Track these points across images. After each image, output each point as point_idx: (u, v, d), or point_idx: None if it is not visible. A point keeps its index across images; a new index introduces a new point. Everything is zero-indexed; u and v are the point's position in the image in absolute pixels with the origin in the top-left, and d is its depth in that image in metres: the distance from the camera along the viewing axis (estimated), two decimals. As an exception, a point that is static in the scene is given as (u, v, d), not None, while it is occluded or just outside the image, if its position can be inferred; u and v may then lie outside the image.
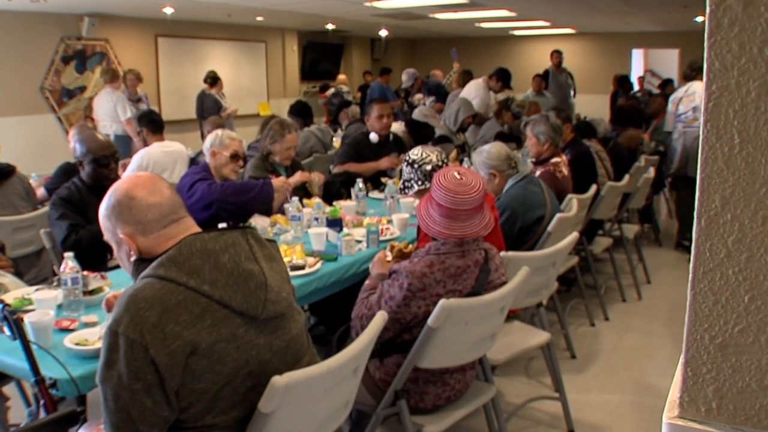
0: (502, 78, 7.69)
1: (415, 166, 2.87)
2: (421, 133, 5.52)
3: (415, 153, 2.92)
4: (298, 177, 3.87)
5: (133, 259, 1.55)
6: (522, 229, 3.29)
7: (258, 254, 1.54)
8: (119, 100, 7.41)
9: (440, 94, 8.41)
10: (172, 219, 1.57)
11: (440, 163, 2.86)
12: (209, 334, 1.40)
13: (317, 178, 4.01)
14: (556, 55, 9.98)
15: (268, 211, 3.60)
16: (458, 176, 2.20)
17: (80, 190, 3.12)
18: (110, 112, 7.41)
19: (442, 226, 2.18)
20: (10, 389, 2.67)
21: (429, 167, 2.84)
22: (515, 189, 3.36)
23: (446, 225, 2.18)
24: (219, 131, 3.67)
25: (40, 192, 4.27)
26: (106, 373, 1.38)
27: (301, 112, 6.22)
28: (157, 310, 1.37)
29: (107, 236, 1.61)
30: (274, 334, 1.53)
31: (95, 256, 2.78)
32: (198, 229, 1.58)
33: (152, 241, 1.54)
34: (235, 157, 3.58)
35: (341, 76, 11.75)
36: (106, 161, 3.08)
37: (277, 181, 3.63)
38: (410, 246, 2.48)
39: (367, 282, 2.41)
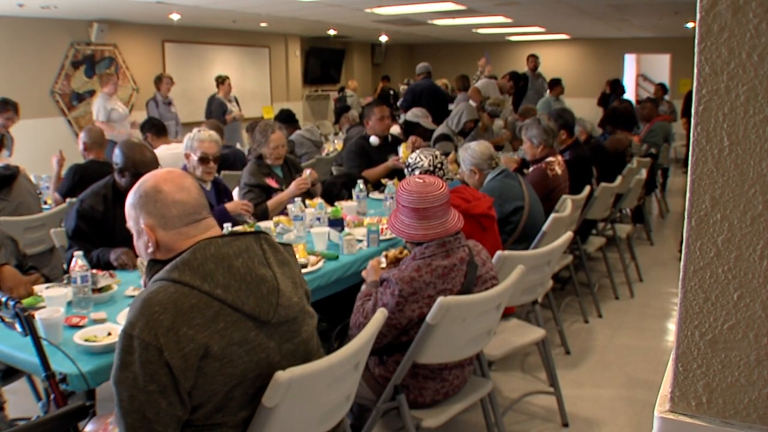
0: (514, 79, 7.71)
1: (409, 169, 3.02)
2: (413, 134, 5.54)
3: (412, 157, 3.04)
4: (293, 188, 3.83)
5: (149, 250, 1.56)
6: (499, 221, 3.36)
7: (271, 259, 1.56)
8: (99, 105, 7.35)
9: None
10: (194, 218, 1.57)
11: (431, 168, 2.94)
12: (221, 338, 1.41)
13: (309, 172, 3.98)
14: (532, 59, 9.58)
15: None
16: (421, 180, 2.29)
17: (107, 200, 2.97)
18: (96, 115, 7.48)
19: (419, 229, 2.22)
20: (21, 384, 2.71)
21: (418, 171, 2.92)
22: (493, 182, 3.51)
23: (423, 225, 2.22)
24: (192, 132, 3.55)
25: (55, 197, 4.29)
26: (121, 375, 1.39)
27: (288, 120, 6.42)
28: (171, 313, 1.38)
29: (130, 223, 1.61)
30: (284, 338, 1.54)
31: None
32: (216, 232, 1.59)
33: (172, 236, 1.55)
34: (203, 160, 3.45)
35: (352, 82, 11.80)
36: None
37: (230, 205, 3.51)
38: (405, 251, 2.49)
39: (363, 288, 2.43)
